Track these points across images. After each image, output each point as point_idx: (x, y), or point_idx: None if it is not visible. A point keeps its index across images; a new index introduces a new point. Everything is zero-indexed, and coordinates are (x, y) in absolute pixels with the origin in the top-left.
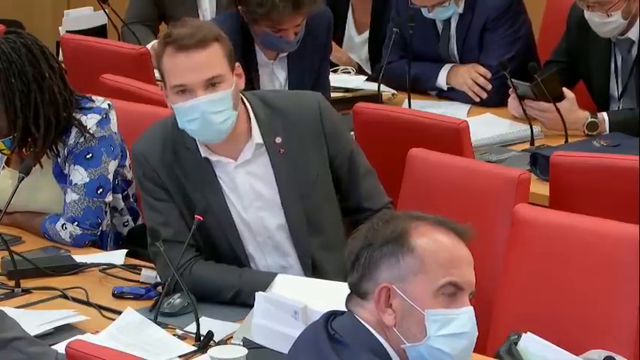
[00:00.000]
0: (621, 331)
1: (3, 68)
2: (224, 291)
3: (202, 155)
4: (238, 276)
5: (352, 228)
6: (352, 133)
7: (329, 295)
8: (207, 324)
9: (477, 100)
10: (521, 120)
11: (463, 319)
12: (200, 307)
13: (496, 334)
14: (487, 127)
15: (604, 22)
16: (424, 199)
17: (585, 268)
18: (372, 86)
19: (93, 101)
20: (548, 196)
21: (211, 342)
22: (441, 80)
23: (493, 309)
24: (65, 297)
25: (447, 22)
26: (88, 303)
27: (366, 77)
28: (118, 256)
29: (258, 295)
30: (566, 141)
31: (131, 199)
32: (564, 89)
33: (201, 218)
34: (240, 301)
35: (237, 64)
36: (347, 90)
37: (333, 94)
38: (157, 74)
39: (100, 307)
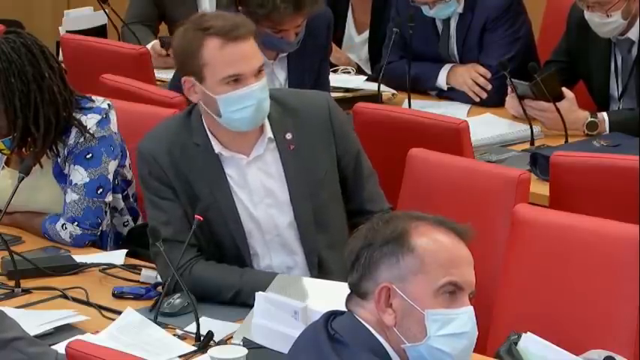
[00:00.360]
0: (621, 331)
1: (3, 68)
2: (224, 291)
3: (216, 151)
4: (239, 276)
5: (352, 230)
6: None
7: (329, 295)
8: (207, 324)
9: (477, 100)
10: (521, 120)
11: (463, 319)
12: (200, 307)
13: (496, 334)
14: (487, 127)
15: (604, 23)
16: (424, 199)
17: (585, 268)
18: (372, 86)
19: (93, 101)
20: (548, 196)
21: (211, 342)
22: (441, 80)
23: (493, 309)
24: (65, 297)
25: (446, 22)
26: (88, 303)
27: (366, 77)
28: (118, 256)
29: (258, 295)
30: (566, 141)
31: (131, 199)
32: (564, 89)
33: (202, 218)
34: (240, 301)
35: None
36: (347, 90)
37: (333, 94)
38: (157, 74)
39: (100, 307)
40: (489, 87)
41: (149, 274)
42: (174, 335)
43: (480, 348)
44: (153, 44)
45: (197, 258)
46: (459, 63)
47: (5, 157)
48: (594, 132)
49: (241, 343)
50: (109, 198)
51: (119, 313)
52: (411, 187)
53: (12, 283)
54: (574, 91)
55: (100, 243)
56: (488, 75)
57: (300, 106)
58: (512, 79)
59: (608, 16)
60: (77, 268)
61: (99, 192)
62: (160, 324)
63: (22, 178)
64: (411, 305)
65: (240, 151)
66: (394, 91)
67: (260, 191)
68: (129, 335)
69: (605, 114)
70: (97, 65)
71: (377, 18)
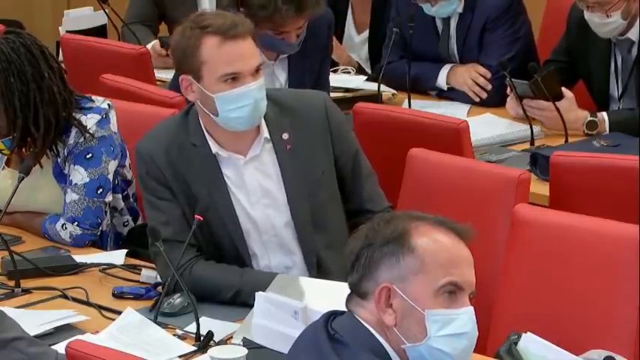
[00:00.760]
0: (621, 331)
1: (2, 68)
2: (224, 291)
3: (213, 151)
4: (238, 276)
5: (353, 230)
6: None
7: (329, 295)
8: (207, 324)
9: (477, 100)
10: (521, 120)
11: (463, 319)
12: (200, 307)
13: (496, 334)
14: (487, 127)
15: (604, 23)
16: (424, 199)
17: (585, 268)
18: (372, 86)
19: (93, 101)
20: (548, 196)
21: (211, 342)
22: (441, 80)
23: (493, 309)
24: (65, 297)
25: (446, 21)
26: (88, 303)
27: (366, 77)
28: (118, 256)
29: (258, 295)
30: (566, 141)
31: (131, 199)
32: (563, 89)
33: (201, 218)
34: (240, 301)
35: None
36: (347, 90)
37: (333, 94)
38: (157, 74)
39: (100, 307)
40: (489, 87)
41: (149, 274)
42: (174, 335)
43: (480, 348)
44: (153, 44)
45: (197, 258)
46: (459, 63)
47: (5, 157)
48: (594, 131)
49: (241, 343)
50: (109, 198)
51: (119, 313)
52: (411, 187)
53: (12, 283)
54: (574, 91)
55: (100, 243)
56: (489, 75)
57: (297, 106)
58: (512, 79)
59: (608, 16)
60: (77, 268)
61: (99, 192)
62: (159, 324)
63: (22, 178)
64: (412, 305)
65: (237, 151)
66: (394, 91)
67: (257, 191)
68: (129, 335)
69: (605, 114)
70: (97, 65)
71: (377, 18)
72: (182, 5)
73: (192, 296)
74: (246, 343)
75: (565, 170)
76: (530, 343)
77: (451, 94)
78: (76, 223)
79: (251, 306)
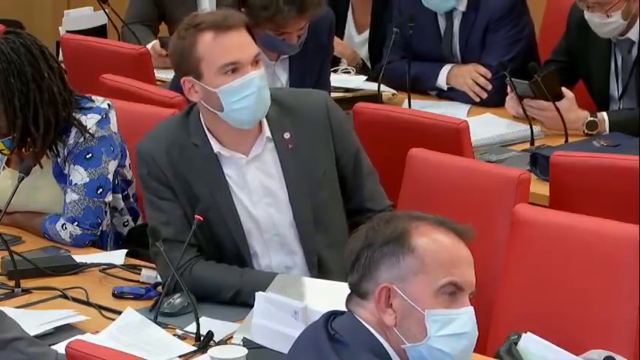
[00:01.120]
0: (621, 331)
1: (2, 68)
2: (224, 291)
3: (215, 151)
4: (239, 276)
5: (353, 229)
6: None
7: (329, 295)
8: (207, 324)
9: (477, 100)
10: (521, 120)
11: (463, 319)
12: (200, 307)
13: (496, 334)
14: (487, 127)
15: (604, 23)
16: (424, 199)
17: (585, 268)
18: (372, 86)
19: (93, 101)
20: (548, 196)
21: (211, 342)
22: (441, 80)
23: (493, 309)
24: (65, 297)
25: (449, 21)
26: (88, 303)
27: (366, 77)
28: (118, 256)
29: (258, 295)
30: (566, 141)
31: (131, 199)
32: (563, 89)
33: (202, 218)
34: (240, 301)
35: None
36: (347, 90)
37: (333, 94)
38: (157, 74)
39: (100, 307)
40: (490, 87)
41: (149, 274)
42: (174, 335)
43: (480, 348)
44: (153, 44)
45: (197, 258)
46: (462, 62)
47: (5, 157)
48: (594, 131)
49: (241, 343)
50: (109, 198)
51: (119, 313)
52: (411, 187)
53: (12, 283)
54: (574, 91)
55: (100, 243)
56: (489, 75)
57: (298, 106)
58: (512, 79)
59: (608, 16)
60: (77, 268)
61: (99, 192)
62: (160, 324)
63: (22, 178)
64: (412, 305)
65: (239, 150)
66: (394, 91)
67: (259, 191)
68: (129, 335)
69: (605, 114)
70: (97, 65)
71: (377, 18)
72: (182, 5)
73: (192, 296)
74: (246, 343)
75: (565, 170)
76: (530, 343)
77: (451, 94)
78: (76, 223)
79: (251, 306)
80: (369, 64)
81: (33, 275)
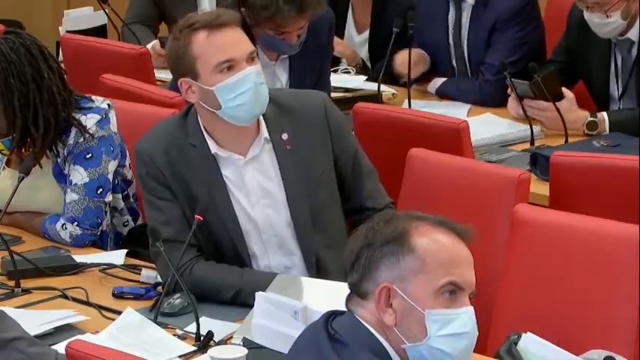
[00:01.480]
0: (621, 331)
1: (2, 69)
2: (224, 291)
3: (212, 151)
4: (239, 276)
5: (353, 228)
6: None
7: (329, 295)
8: (207, 324)
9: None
10: (521, 120)
11: (463, 319)
12: (200, 307)
13: (496, 334)
14: (487, 127)
15: (603, 23)
16: (424, 199)
17: (585, 268)
18: (372, 86)
19: (92, 101)
20: (548, 196)
21: (211, 342)
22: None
23: (493, 309)
24: (65, 297)
25: (459, 12)
26: (88, 303)
27: (366, 77)
28: (118, 256)
29: (258, 295)
30: (566, 141)
31: (131, 199)
32: (563, 89)
33: (202, 218)
34: (240, 301)
35: None
36: (347, 90)
37: (333, 94)
38: (157, 74)
39: (100, 307)
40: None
41: (149, 274)
42: (174, 335)
43: (480, 348)
44: (153, 44)
45: (197, 258)
46: (468, 57)
47: (5, 157)
48: (594, 132)
49: (241, 343)
50: (109, 198)
51: (119, 313)
52: (411, 187)
53: (12, 283)
54: (574, 91)
55: (100, 243)
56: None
57: (296, 106)
58: (512, 79)
59: (607, 16)
60: (77, 268)
61: (99, 192)
62: (160, 324)
63: (22, 178)
64: (412, 305)
65: (237, 151)
66: (394, 91)
67: (257, 191)
68: (129, 335)
69: (605, 114)
70: (97, 65)
71: (377, 18)
72: (182, 5)
73: (192, 296)
74: (246, 343)
75: (565, 170)
76: (530, 343)
77: (451, 92)
78: (76, 223)
79: (251, 306)
80: (369, 64)
81: (33, 275)
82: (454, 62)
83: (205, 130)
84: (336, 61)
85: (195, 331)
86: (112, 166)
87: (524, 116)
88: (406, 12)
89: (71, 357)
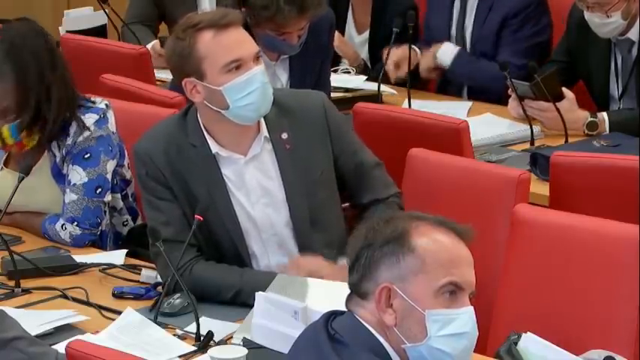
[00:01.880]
0: (621, 331)
1: (18, 44)
2: (224, 291)
3: (213, 151)
4: (239, 276)
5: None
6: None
7: (329, 295)
8: (207, 324)
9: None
10: (521, 120)
11: (463, 319)
12: (200, 307)
13: (496, 334)
14: (487, 127)
15: (604, 23)
16: (424, 199)
17: (585, 268)
18: (372, 86)
19: (93, 102)
20: (548, 196)
21: (211, 342)
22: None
23: (493, 309)
24: (65, 297)
25: (464, 3)
26: (88, 303)
27: (366, 77)
28: (118, 256)
29: (258, 295)
30: (566, 141)
31: (130, 199)
32: (564, 89)
33: (202, 218)
34: (240, 301)
35: None
36: (347, 90)
37: (333, 94)
38: (157, 74)
39: (100, 307)
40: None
41: (149, 274)
42: (174, 335)
43: (480, 348)
44: (153, 44)
45: (197, 258)
46: (472, 50)
47: (4, 157)
48: (594, 132)
49: (241, 343)
50: (108, 198)
51: (119, 313)
52: (411, 187)
53: (12, 283)
54: (574, 91)
55: (99, 243)
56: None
57: (296, 106)
58: (513, 80)
59: (607, 16)
60: (77, 268)
61: (98, 192)
62: (160, 324)
63: (22, 178)
64: (412, 305)
65: (237, 151)
66: (394, 91)
67: (257, 191)
68: (129, 335)
69: (605, 114)
70: (97, 65)
71: (377, 18)
72: (182, 5)
73: (192, 296)
74: (246, 343)
75: (565, 170)
76: (530, 343)
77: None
78: (75, 223)
79: (251, 306)
80: (369, 64)
81: (33, 275)
82: None
83: (206, 129)
84: (337, 61)
85: (195, 331)
86: (111, 165)
87: (525, 116)
88: (406, 12)
89: (71, 357)
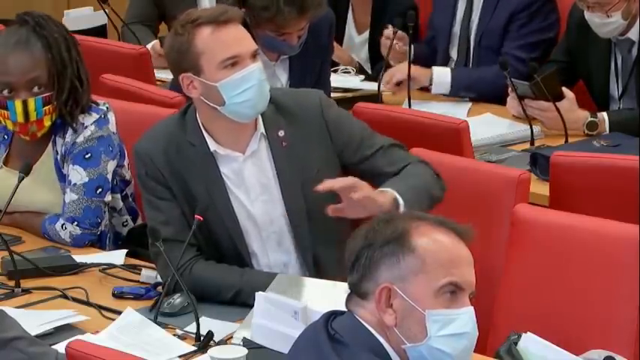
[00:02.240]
0: (621, 331)
1: (42, 24)
2: (224, 291)
3: (211, 149)
4: (239, 276)
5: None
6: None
7: (329, 295)
8: (207, 324)
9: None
10: (521, 120)
11: (464, 319)
12: (200, 307)
13: (496, 334)
14: (487, 127)
15: (604, 23)
16: None
17: (585, 268)
18: (372, 86)
19: (96, 104)
20: (548, 196)
21: (211, 342)
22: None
23: (493, 309)
24: (65, 297)
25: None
26: (88, 303)
27: (364, 77)
28: (118, 256)
29: (258, 295)
30: (566, 141)
31: (130, 199)
32: (564, 89)
33: (202, 218)
34: (240, 301)
35: None
36: (347, 90)
37: (333, 94)
38: (157, 74)
39: (100, 307)
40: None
41: (149, 274)
42: (174, 335)
43: (480, 348)
44: (153, 44)
45: (197, 258)
46: (479, 46)
47: (4, 155)
48: (594, 132)
49: (241, 343)
50: (108, 198)
51: (119, 313)
52: None
53: (12, 283)
54: (574, 91)
55: (99, 243)
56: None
57: (293, 105)
58: (512, 79)
59: (608, 16)
60: (77, 268)
61: (98, 192)
62: (160, 324)
63: (22, 178)
64: (412, 305)
65: (235, 148)
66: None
67: (256, 188)
68: (129, 335)
69: (605, 114)
70: (97, 65)
71: (377, 18)
72: (182, 5)
73: (192, 296)
74: (246, 343)
75: (565, 170)
76: (530, 343)
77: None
78: (75, 223)
79: (251, 306)
80: (368, 65)
81: (33, 275)
82: (452, 52)
83: (204, 127)
84: (333, 65)
85: (195, 331)
86: (111, 166)
87: (524, 115)
88: (406, 12)
89: (71, 357)
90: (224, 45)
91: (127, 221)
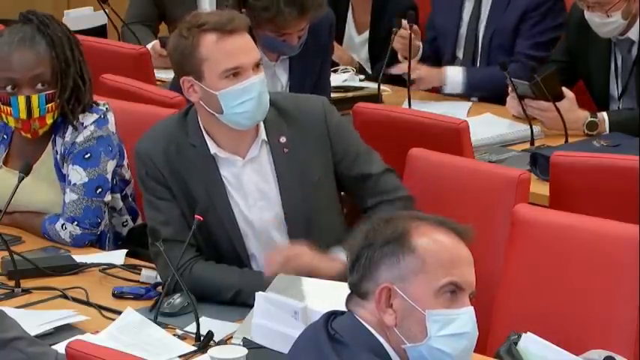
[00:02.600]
0: (621, 331)
1: (46, 23)
2: (224, 291)
3: (212, 152)
4: (239, 276)
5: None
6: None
7: (329, 295)
8: (207, 324)
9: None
10: (521, 120)
11: (464, 319)
12: (200, 307)
13: (496, 334)
14: (487, 127)
15: (604, 23)
16: (424, 199)
17: (585, 268)
18: (372, 86)
19: (97, 104)
20: (548, 196)
21: (211, 342)
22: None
23: (493, 309)
24: (65, 297)
25: (477, 2)
26: (88, 303)
27: (364, 77)
28: (118, 256)
29: (258, 295)
30: (566, 141)
31: (130, 199)
32: (564, 89)
33: (202, 218)
34: (240, 301)
35: None
36: (347, 90)
37: (333, 94)
38: (157, 74)
39: (100, 307)
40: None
41: (149, 274)
42: (174, 335)
43: (480, 348)
44: (153, 44)
45: (197, 258)
46: (488, 46)
47: (4, 155)
48: (594, 132)
49: (241, 343)
50: (108, 198)
51: (119, 313)
52: (411, 187)
53: (12, 283)
54: (574, 91)
55: (98, 243)
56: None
57: (296, 111)
58: (512, 79)
59: (608, 16)
60: (77, 268)
61: (98, 192)
62: (160, 324)
63: (22, 178)
64: (412, 305)
65: (236, 152)
66: (388, 90)
67: (254, 193)
68: (129, 335)
69: (605, 114)
70: (97, 65)
71: (377, 18)
72: (182, 5)
73: (192, 296)
74: (246, 343)
75: (565, 170)
76: (530, 343)
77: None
78: (75, 222)
79: (251, 306)
80: (368, 65)
81: (33, 275)
82: (459, 52)
83: (205, 130)
84: (333, 65)
85: (195, 331)
86: (111, 166)
87: (524, 115)
88: (406, 12)
89: (71, 357)
90: (228, 55)
91: (126, 221)
